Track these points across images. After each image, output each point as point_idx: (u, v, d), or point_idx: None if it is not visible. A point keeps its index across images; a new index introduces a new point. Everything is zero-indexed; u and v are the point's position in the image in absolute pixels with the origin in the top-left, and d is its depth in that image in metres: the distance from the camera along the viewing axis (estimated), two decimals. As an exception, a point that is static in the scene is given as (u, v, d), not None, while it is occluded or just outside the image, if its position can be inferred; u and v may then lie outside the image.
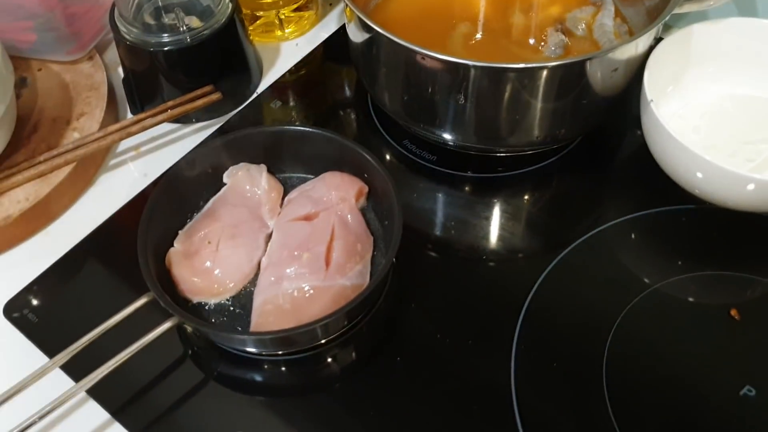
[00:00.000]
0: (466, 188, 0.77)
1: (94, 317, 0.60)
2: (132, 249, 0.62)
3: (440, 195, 0.77)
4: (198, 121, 0.82)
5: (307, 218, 0.69)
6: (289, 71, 0.89)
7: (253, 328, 0.63)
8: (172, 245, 0.67)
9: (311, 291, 0.63)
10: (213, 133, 0.81)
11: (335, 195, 0.69)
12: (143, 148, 0.80)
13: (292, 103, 0.86)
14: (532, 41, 0.80)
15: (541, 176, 0.78)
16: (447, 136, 0.74)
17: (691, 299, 0.68)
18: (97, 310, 0.61)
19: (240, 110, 0.83)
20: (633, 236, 0.73)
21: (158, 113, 0.76)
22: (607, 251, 0.71)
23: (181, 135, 0.81)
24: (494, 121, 0.71)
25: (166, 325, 0.59)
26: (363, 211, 0.71)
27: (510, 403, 0.60)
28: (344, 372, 0.64)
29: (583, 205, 0.76)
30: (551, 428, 0.60)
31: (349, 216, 0.69)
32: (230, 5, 0.78)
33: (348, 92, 0.88)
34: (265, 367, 0.64)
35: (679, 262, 0.70)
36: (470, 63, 0.65)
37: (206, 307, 0.65)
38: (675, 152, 0.68)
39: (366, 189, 0.71)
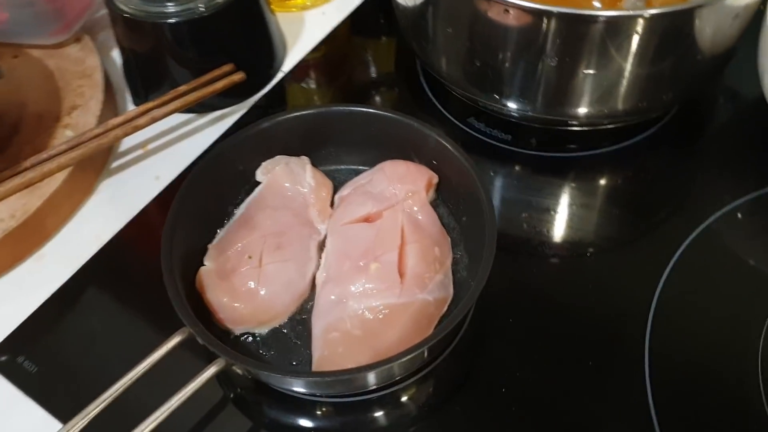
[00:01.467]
0: (556, 171, 0.66)
1: (112, 364, 0.50)
2: (149, 271, 0.53)
3: (522, 181, 0.66)
4: (216, 108, 0.71)
5: (368, 219, 0.57)
6: (318, 45, 0.77)
7: (317, 362, 0.50)
8: (202, 264, 0.55)
9: (386, 311, 0.51)
10: (236, 123, 0.70)
11: (401, 188, 0.58)
12: (152, 146, 0.69)
13: (325, 82, 0.74)
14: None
15: (638, 155, 0.67)
16: (515, 106, 0.63)
17: None
18: (115, 354, 0.53)
19: (265, 93, 0.73)
20: (762, 221, 0.62)
21: (168, 101, 0.64)
22: (736, 244, 0.60)
23: (197, 127, 0.70)
24: (580, 84, 0.59)
25: (210, 371, 0.46)
26: (433, 206, 0.59)
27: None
28: (425, 411, 0.52)
29: (692, 190, 0.65)
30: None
31: (419, 214, 0.57)
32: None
33: (392, 65, 0.77)
34: (324, 410, 0.53)
35: None
36: (555, 10, 0.53)
37: (253, 339, 0.53)
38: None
39: (436, 179, 0.59)
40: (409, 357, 0.45)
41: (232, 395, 0.53)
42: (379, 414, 0.52)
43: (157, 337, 0.48)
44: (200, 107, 0.69)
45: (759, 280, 0.57)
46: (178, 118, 0.70)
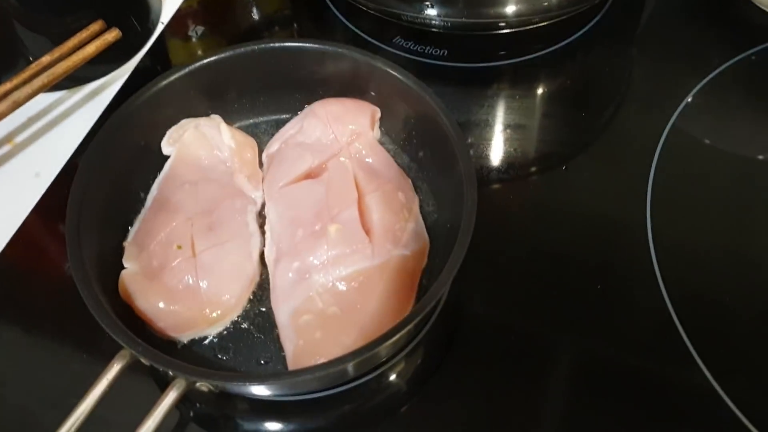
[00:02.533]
0: (502, 83, 0.59)
1: (38, 414, 0.43)
2: (54, 292, 0.47)
3: (468, 97, 0.59)
4: (90, 80, 0.61)
5: (311, 175, 0.49)
6: None
7: (292, 356, 0.42)
8: (121, 267, 0.46)
9: (360, 277, 0.44)
10: (119, 93, 0.60)
11: (341, 131, 0.50)
12: (20, 138, 0.58)
13: (213, 27, 0.65)
14: None
15: (571, 55, 0.61)
16: (443, 12, 0.56)
17: None
18: (40, 401, 0.43)
19: (148, 50, 0.63)
20: (727, 100, 0.58)
21: (29, 79, 0.53)
22: (707, 131, 0.56)
23: (73, 105, 0.60)
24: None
25: (170, 398, 0.37)
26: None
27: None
28: (418, 387, 0.45)
29: (648, 82, 0.60)
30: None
31: (370, 157, 0.50)
32: None
33: None
34: (306, 408, 0.45)
35: None
36: None
37: (206, 344, 0.44)
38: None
39: (378, 112, 0.51)
40: (405, 330, 0.38)
41: (191, 413, 0.44)
42: (368, 400, 0.45)
43: (89, 369, 0.40)
44: (70, 81, 0.58)
45: (741, 164, 0.54)
46: (46, 98, 0.59)
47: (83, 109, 0.59)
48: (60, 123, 0.58)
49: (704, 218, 0.52)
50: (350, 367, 0.39)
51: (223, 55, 0.51)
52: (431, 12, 0.55)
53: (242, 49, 0.51)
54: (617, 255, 0.49)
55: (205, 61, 0.50)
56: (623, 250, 0.50)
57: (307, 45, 0.50)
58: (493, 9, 0.55)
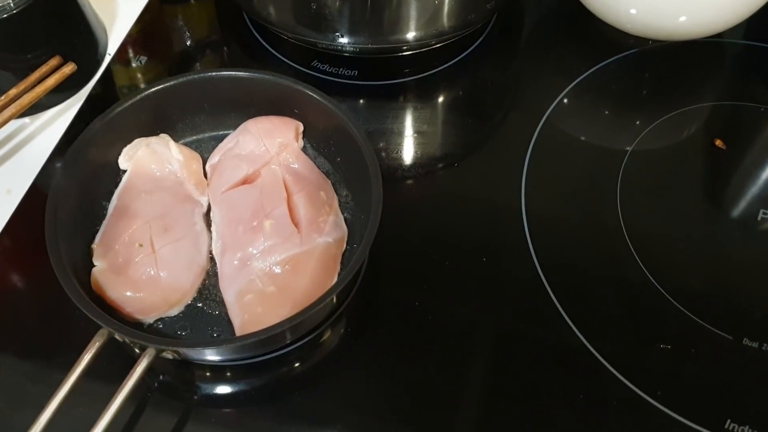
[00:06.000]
0: (407, 96, 0.68)
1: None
2: (28, 300, 0.53)
3: (375, 112, 0.67)
4: (51, 106, 0.66)
5: (247, 181, 0.57)
6: (136, 21, 0.73)
7: (240, 327, 0.51)
8: (91, 267, 0.53)
9: (291, 262, 0.52)
10: (76, 116, 0.66)
11: (270, 143, 0.58)
12: None
13: (152, 56, 0.71)
14: None
15: (469, 67, 0.71)
16: (352, 41, 0.64)
17: (672, 142, 0.65)
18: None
19: (99, 79, 0.69)
20: (588, 101, 0.68)
21: (1, 108, 0.59)
22: (572, 126, 0.66)
23: (36, 129, 0.65)
24: (411, 6, 0.61)
25: (143, 364, 0.45)
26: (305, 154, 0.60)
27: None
28: (344, 351, 0.54)
29: (526, 89, 0.70)
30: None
31: (296, 164, 0.58)
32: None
33: (215, 23, 0.75)
34: (251, 372, 0.53)
35: (639, 113, 0.67)
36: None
37: (167, 323, 0.53)
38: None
39: (302, 126, 0.60)
40: (326, 300, 0.47)
41: (156, 384, 0.52)
42: (303, 362, 0.53)
43: (73, 352, 0.46)
44: (33, 108, 0.63)
45: (599, 152, 0.64)
46: (12, 124, 0.64)
47: (47, 132, 0.64)
48: (26, 145, 0.63)
49: (569, 198, 0.60)
50: (287, 332, 0.48)
51: (168, 84, 0.58)
52: (342, 40, 0.63)
53: (184, 78, 0.58)
54: (499, 233, 0.58)
55: (152, 89, 0.57)
56: (503, 229, 0.58)
57: (240, 73, 0.58)
58: (395, 36, 0.63)
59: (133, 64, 0.70)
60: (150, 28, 0.73)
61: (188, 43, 0.73)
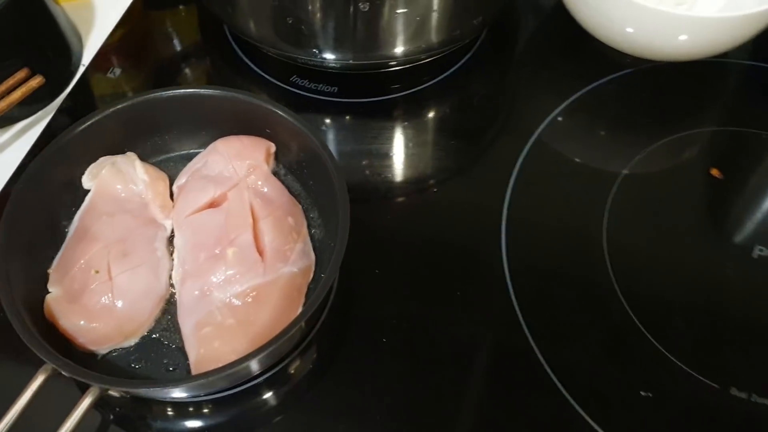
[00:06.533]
0: (386, 114, 0.66)
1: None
2: None
3: (356, 130, 0.65)
4: (16, 120, 0.64)
5: (214, 204, 0.55)
6: (114, 29, 0.71)
7: (195, 362, 0.48)
8: (46, 292, 0.51)
9: (253, 293, 0.50)
10: (44, 131, 0.64)
11: (239, 165, 0.56)
12: None
13: (130, 67, 0.69)
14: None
15: (458, 84, 0.68)
16: (334, 57, 0.62)
17: (666, 167, 0.62)
18: None
19: (70, 92, 0.67)
20: (581, 121, 0.65)
21: None
22: (562, 146, 0.63)
23: (4, 143, 0.63)
24: (395, 23, 0.59)
25: (85, 403, 0.43)
26: (278, 176, 0.57)
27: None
28: (315, 378, 0.52)
29: (515, 107, 0.67)
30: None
31: (264, 187, 0.55)
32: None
33: (197, 35, 0.72)
34: (213, 407, 0.51)
35: (635, 136, 0.64)
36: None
37: (122, 353, 0.50)
38: (604, 7, 0.62)
39: (273, 147, 0.57)
40: (286, 336, 0.45)
41: (111, 417, 0.50)
42: (270, 395, 0.51)
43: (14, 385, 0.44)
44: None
45: (589, 173, 0.61)
46: None
47: (12, 147, 0.63)
48: (-9, 160, 0.61)
49: (554, 223, 0.58)
50: (246, 368, 0.46)
51: (135, 101, 0.55)
52: (323, 56, 0.61)
53: (152, 95, 0.56)
54: (477, 260, 0.56)
55: (119, 106, 0.55)
56: (482, 257, 0.56)
57: (210, 91, 0.55)
58: (376, 52, 0.61)
59: (109, 75, 0.68)
60: (127, 38, 0.71)
61: (166, 55, 0.71)
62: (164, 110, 0.57)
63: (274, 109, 0.54)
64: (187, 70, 0.69)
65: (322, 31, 0.59)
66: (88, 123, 0.54)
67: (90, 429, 0.49)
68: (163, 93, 0.56)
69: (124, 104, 0.56)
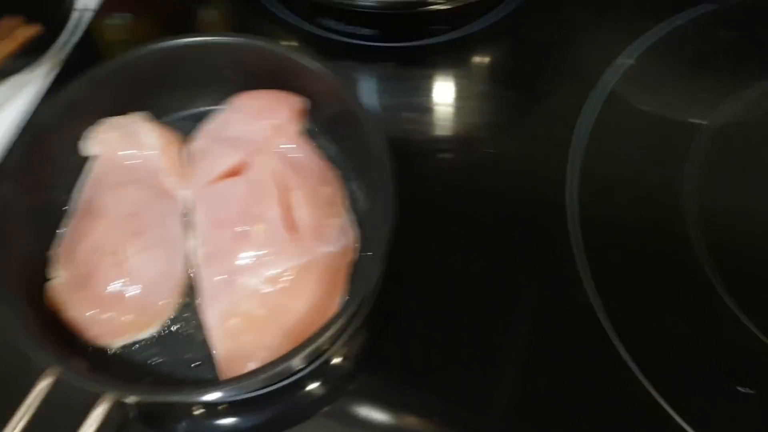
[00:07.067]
0: (434, 62, 0.59)
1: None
2: None
3: (398, 80, 0.58)
4: (9, 74, 0.57)
5: (235, 172, 0.48)
6: None
7: (222, 359, 0.42)
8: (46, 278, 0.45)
9: (286, 277, 0.44)
10: (48, 89, 0.57)
11: (264, 125, 0.48)
12: None
13: (140, 10, 0.62)
14: None
15: (509, 26, 0.60)
16: None
17: (756, 117, 0.55)
18: None
19: (65, 43, 0.60)
20: (653, 66, 0.58)
21: None
22: (632, 95, 0.56)
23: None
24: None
25: (97, 413, 0.37)
26: (311, 137, 0.50)
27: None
28: (359, 372, 0.46)
29: (577, 52, 0.60)
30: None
31: (294, 151, 0.48)
32: None
33: None
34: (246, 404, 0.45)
35: (716, 82, 0.57)
36: None
37: (138, 347, 0.44)
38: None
39: (302, 104, 0.50)
40: (332, 330, 0.38)
41: (131, 414, 0.44)
42: (311, 389, 0.45)
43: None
44: None
45: (666, 124, 0.55)
46: None
47: (5, 105, 0.56)
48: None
49: (626, 184, 0.52)
50: (282, 370, 0.40)
51: (145, 51, 0.49)
52: None
53: (164, 44, 0.50)
54: (541, 234, 0.50)
55: (126, 57, 0.49)
56: (546, 228, 0.51)
57: (225, 39, 0.49)
58: None
59: (118, 21, 0.61)
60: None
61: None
62: (174, 62, 0.50)
63: (301, 59, 0.47)
64: (202, 14, 0.62)
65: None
66: (91, 78, 0.48)
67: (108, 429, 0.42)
68: (171, 43, 0.50)
69: (128, 57, 0.49)
